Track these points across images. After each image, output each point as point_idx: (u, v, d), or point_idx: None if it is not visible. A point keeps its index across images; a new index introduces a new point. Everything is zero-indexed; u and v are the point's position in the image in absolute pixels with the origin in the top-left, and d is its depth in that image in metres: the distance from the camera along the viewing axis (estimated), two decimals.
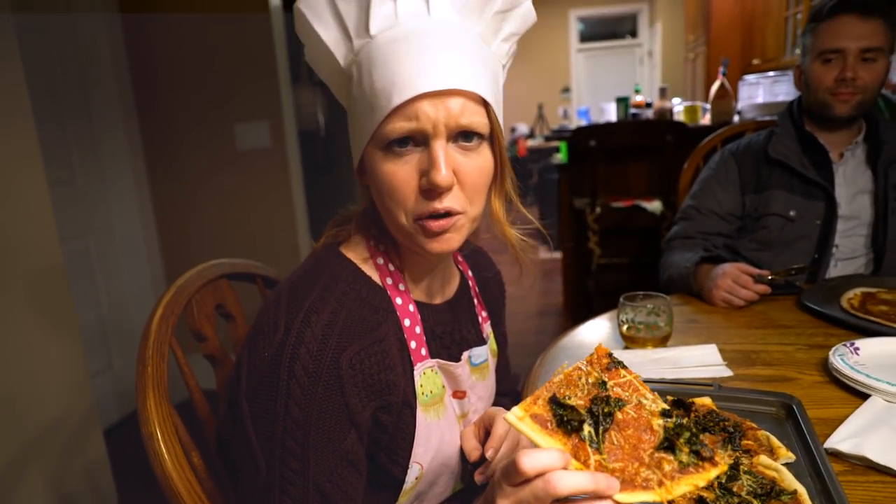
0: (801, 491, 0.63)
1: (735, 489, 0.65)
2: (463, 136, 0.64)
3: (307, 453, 0.60)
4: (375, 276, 0.71)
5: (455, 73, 0.61)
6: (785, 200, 1.45)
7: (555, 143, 4.17)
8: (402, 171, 0.63)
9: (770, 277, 1.23)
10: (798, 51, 1.48)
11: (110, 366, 2.57)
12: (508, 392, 1.01)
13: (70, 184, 2.41)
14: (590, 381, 0.58)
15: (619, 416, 0.56)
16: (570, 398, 0.56)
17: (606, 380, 0.58)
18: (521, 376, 1.06)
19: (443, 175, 0.61)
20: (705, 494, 0.64)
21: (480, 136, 0.65)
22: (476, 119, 0.63)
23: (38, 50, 2.25)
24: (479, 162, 0.65)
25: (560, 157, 3.44)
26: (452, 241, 0.67)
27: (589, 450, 0.54)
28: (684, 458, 0.54)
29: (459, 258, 0.88)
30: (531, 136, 7.30)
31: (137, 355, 0.73)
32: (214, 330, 0.86)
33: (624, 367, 0.59)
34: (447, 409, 0.75)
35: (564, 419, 0.54)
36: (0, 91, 1.45)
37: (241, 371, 0.65)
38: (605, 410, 0.55)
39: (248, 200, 2.69)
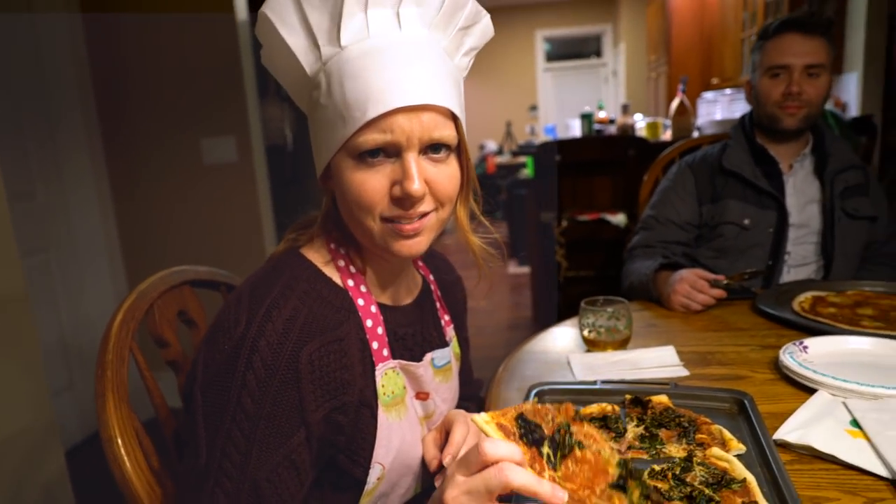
0: (751, 479, 0.65)
1: (688, 479, 0.67)
2: (433, 148, 0.66)
3: (251, 447, 0.60)
4: (336, 278, 0.72)
5: (427, 89, 0.63)
6: (739, 209, 1.51)
7: (522, 160, 4.23)
8: (373, 180, 0.65)
9: (725, 282, 1.27)
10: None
11: (72, 384, 2.50)
12: (471, 397, 1.02)
13: (30, 198, 2.35)
14: (556, 420, 0.60)
15: (577, 452, 0.58)
16: (536, 422, 0.58)
17: (571, 425, 0.60)
18: (483, 382, 1.07)
19: (416, 186, 0.64)
20: (660, 485, 0.66)
21: (449, 147, 0.68)
22: (446, 132, 0.66)
23: None
24: (448, 172, 0.68)
25: (527, 173, 3.50)
26: (421, 244, 0.69)
27: (546, 465, 0.56)
28: (635, 499, 0.57)
29: (420, 262, 0.89)
30: (500, 152, 7.39)
31: (97, 359, 0.72)
32: (176, 336, 0.86)
33: (589, 423, 0.62)
34: (408, 410, 0.76)
35: (528, 433, 0.56)
36: None
37: (197, 366, 0.65)
38: (567, 441, 0.58)
39: (215, 215, 2.67)
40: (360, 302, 0.72)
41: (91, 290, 2.59)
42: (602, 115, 3.37)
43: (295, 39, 0.65)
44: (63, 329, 2.48)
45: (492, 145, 7.83)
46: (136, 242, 2.71)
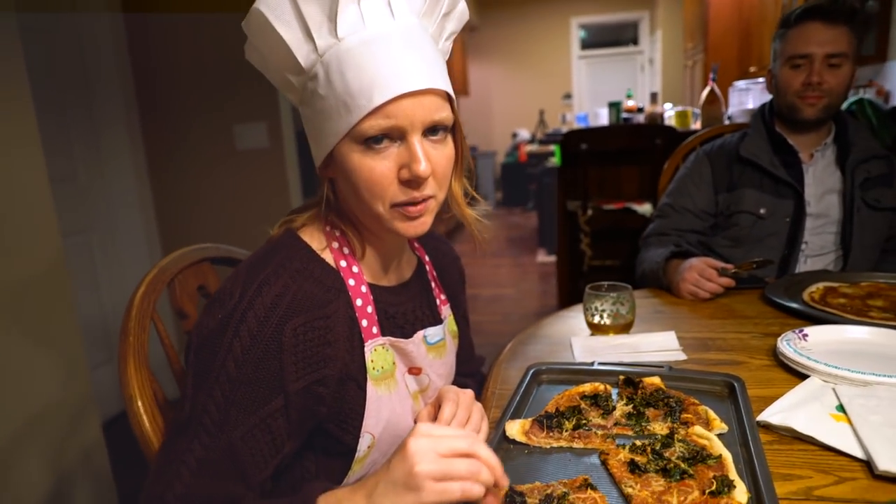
0: (726, 455, 0.68)
1: (667, 454, 0.70)
2: (432, 130, 0.70)
3: (230, 407, 0.65)
4: (330, 259, 0.77)
5: (427, 74, 0.67)
6: (755, 198, 1.50)
7: (551, 148, 4.23)
8: (381, 166, 0.69)
9: (733, 271, 1.28)
10: None
11: (111, 359, 2.63)
12: (473, 373, 1.06)
13: (72, 180, 2.48)
14: (555, 493, 0.64)
15: None
16: (527, 496, 0.63)
17: (570, 493, 0.64)
18: (484, 359, 1.11)
19: (423, 167, 0.68)
20: (638, 459, 0.70)
21: (446, 128, 0.72)
22: (444, 114, 0.70)
23: (42, 48, 2.32)
24: (446, 152, 0.73)
25: (555, 161, 3.49)
26: (426, 224, 0.74)
27: None
28: None
29: (416, 243, 0.94)
30: (532, 141, 7.36)
31: (121, 327, 0.79)
32: (196, 308, 0.92)
33: (595, 489, 0.65)
34: (398, 385, 0.80)
35: (514, 501, 0.62)
36: (2, 88, 1.52)
37: (192, 336, 0.71)
38: (554, 501, 0.62)
39: (246, 198, 2.75)
40: (351, 282, 0.76)
41: (129, 269, 2.71)
42: (630, 103, 3.34)
43: (289, 33, 0.67)
44: (103, 306, 2.61)
45: (525, 134, 7.80)
46: (172, 223, 2.82)
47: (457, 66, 7.50)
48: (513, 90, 8.53)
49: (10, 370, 1.51)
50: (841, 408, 0.77)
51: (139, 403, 0.73)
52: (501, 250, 5.87)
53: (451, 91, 0.71)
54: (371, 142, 0.68)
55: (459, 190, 0.80)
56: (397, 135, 0.69)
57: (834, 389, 0.82)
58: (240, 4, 0.67)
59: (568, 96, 8.34)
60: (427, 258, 0.94)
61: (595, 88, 8.49)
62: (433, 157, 0.70)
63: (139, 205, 2.72)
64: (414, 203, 0.71)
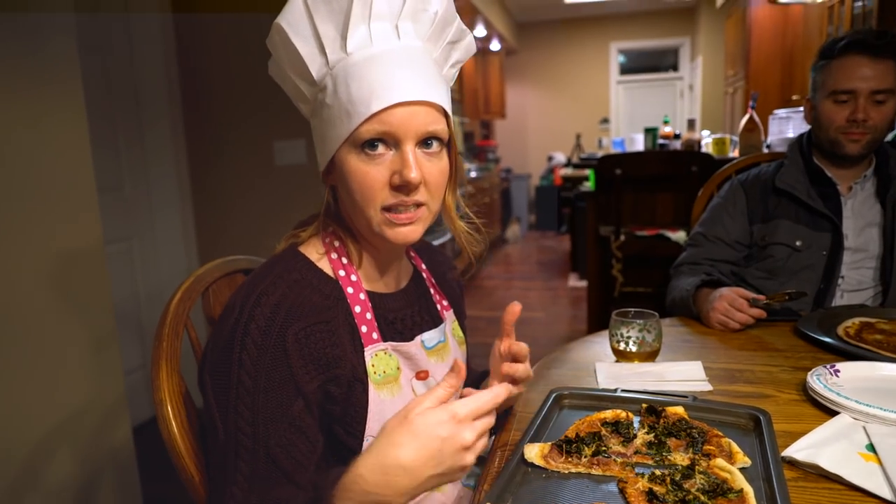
0: (748, 490, 0.67)
1: (687, 486, 0.69)
2: (426, 142, 0.75)
3: (257, 418, 0.68)
4: (328, 269, 0.80)
5: (423, 88, 0.73)
6: (791, 230, 1.47)
7: (585, 172, 4.22)
8: (374, 170, 0.74)
9: (765, 302, 1.26)
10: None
11: (145, 364, 2.71)
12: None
13: (118, 190, 2.58)
14: None
15: None
16: None
17: None
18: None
19: (413, 174, 0.72)
20: (657, 489, 0.69)
21: (441, 141, 0.77)
22: (439, 127, 0.75)
23: (95, 52, 2.42)
24: (440, 165, 0.77)
25: (589, 185, 3.48)
26: (416, 232, 0.78)
27: None
28: None
29: (412, 252, 0.97)
30: (567, 164, 7.34)
31: (155, 333, 0.82)
32: None
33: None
34: (402, 389, 0.82)
35: None
36: (58, 94, 1.58)
37: (206, 351, 0.74)
38: None
39: (284, 212, 2.82)
40: (350, 290, 0.80)
41: (167, 278, 2.80)
42: (667, 129, 3.31)
43: (306, 48, 0.74)
44: (140, 312, 2.69)
45: (560, 157, 7.79)
46: (211, 235, 2.90)
47: (495, 89, 7.57)
48: (549, 113, 8.55)
49: (46, 369, 1.57)
50: (871, 447, 0.75)
51: (168, 407, 0.76)
52: (533, 273, 5.85)
53: (447, 106, 0.76)
54: (367, 146, 0.73)
55: (452, 203, 0.85)
56: (392, 141, 0.73)
57: (864, 428, 0.80)
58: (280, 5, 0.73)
59: (605, 121, 8.32)
60: (424, 266, 0.97)
61: (633, 114, 8.45)
62: (426, 168, 0.75)
63: (180, 215, 2.81)
64: (404, 208, 0.75)
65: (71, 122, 1.62)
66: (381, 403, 0.79)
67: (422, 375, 0.85)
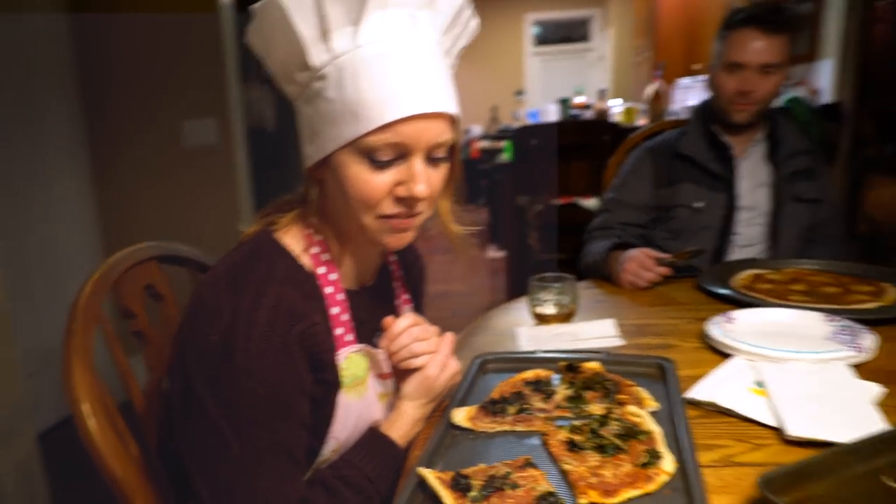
0: (656, 430, 0.73)
1: (603, 433, 0.74)
2: (433, 152, 0.72)
3: (274, 424, 0.67)
4: (309, 265, 0.77)
5: (440, 97, 0.70)
6: (692, 193, 1.58)
7: (502, 144, 4.29)
8: (378, 180, 0.70)
9: (670, 260, 1.35)
10: None
11: (47, 367, 2.53)
12: None
13: (4, 181, 2.38)
14: (498, 474, 0.67)
15: (507, 490, 0.64)
16: (471, 478, 0.65)
17: (512, 473, 0.67)
18: None
19: (422, 189, 0.70)
20: (576, 438, 0.74)
21: (447, 149, 0.74)
22: (449, 136, 0.73)
23: None
24: (442, 173, 0.75)
25: (506, 157, 3.55)
26: (411, 236, 0.77)
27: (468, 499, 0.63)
28: None
29: None
30: (484, 137, 7.42)
31: (65, 327, 0.78)
32: (143, 308, 0.92)
33: (536, 467, 0.68)
34: (368, 391, 0.82)
35: (458, 482, 0.64)
36: None
37: (186, 358, 0.69)
38: (496, 484, 0.64)
39: (195, 197, 2.71)
40: (329, 290, 0.77)
41: (70, 274, 2.62)
42: (579, 100, 3.42)
43: (307, 29, 0.67)
44: (40, 311, 2.52)
45: (477, 130, 7.85)
46: (117, 225, 2.75)
47: None
48: (465, 87, 8.38)
49: None
50: (760, 384, 0.83)
51: (84, 406, 0.73)
52: (451, 246, 5.89)
53: (458, 113, 0.73)
54: (374, 156, 0.69)
55: (447, 207, 0.82)
56: (401, 152, 0.70)
57: (755, 367, 0.88)
58: (188, 2, 0.68)
59: (520, 93, 8.44)
60: (392, 257, 0.95)
61: (548, 85, 8.61)
62: (430, 178, 0.72)
63: (81, 204, 2.63)
64: (405, 217, 0.73)
65: None
66: (346, 407, 0.78)
67: (384, 376, 0.85)
